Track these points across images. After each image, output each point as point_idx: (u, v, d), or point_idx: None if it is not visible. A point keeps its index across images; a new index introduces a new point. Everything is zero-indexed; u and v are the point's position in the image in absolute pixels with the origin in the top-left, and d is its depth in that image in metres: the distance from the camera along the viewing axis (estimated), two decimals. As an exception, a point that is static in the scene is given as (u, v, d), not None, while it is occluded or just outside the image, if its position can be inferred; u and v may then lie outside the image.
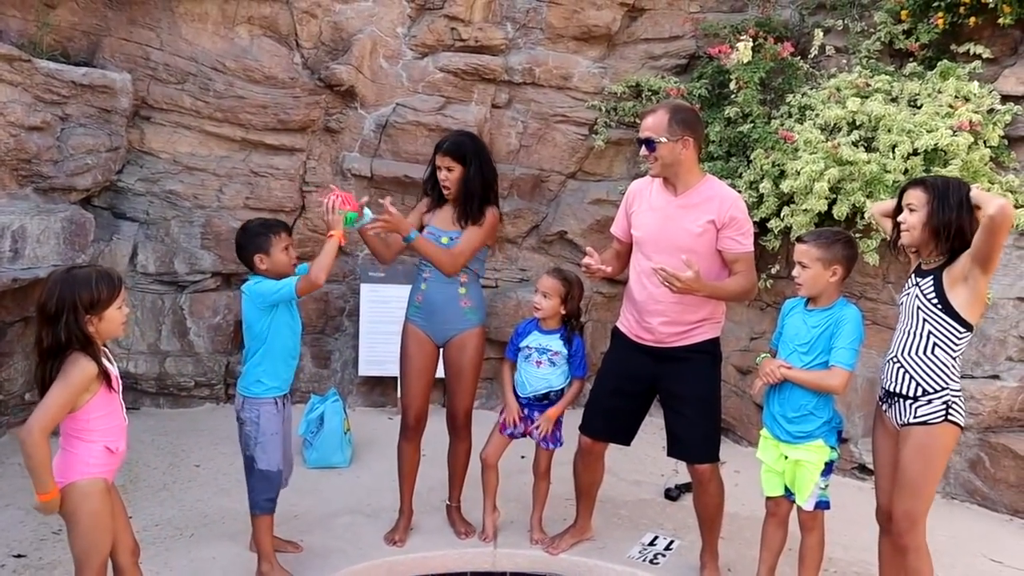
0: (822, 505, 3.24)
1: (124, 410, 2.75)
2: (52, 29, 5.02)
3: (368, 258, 5.90)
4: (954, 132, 4.55)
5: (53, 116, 4.79)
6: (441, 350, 3.83)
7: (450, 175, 3.67)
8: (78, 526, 2.60)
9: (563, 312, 3.73)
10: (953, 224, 2.87)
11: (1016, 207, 4.44)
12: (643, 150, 3.37)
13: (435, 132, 5.70)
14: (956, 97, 4.79)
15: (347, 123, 5.78)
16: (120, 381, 2.73)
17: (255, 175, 5.65)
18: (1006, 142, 4.77)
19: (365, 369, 5.76)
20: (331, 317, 5.89)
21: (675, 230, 3.37)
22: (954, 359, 2.94)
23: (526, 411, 3.80)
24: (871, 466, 4.75)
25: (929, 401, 2.93)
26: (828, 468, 3.21)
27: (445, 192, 3.72)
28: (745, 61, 5.37)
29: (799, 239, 3.24)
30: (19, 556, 3.53)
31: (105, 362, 2.63)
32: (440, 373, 3.86)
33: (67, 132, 4.89)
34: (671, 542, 3.96)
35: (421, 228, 3.74)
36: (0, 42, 4.57)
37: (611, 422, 3.66)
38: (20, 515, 3.87)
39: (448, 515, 4.00)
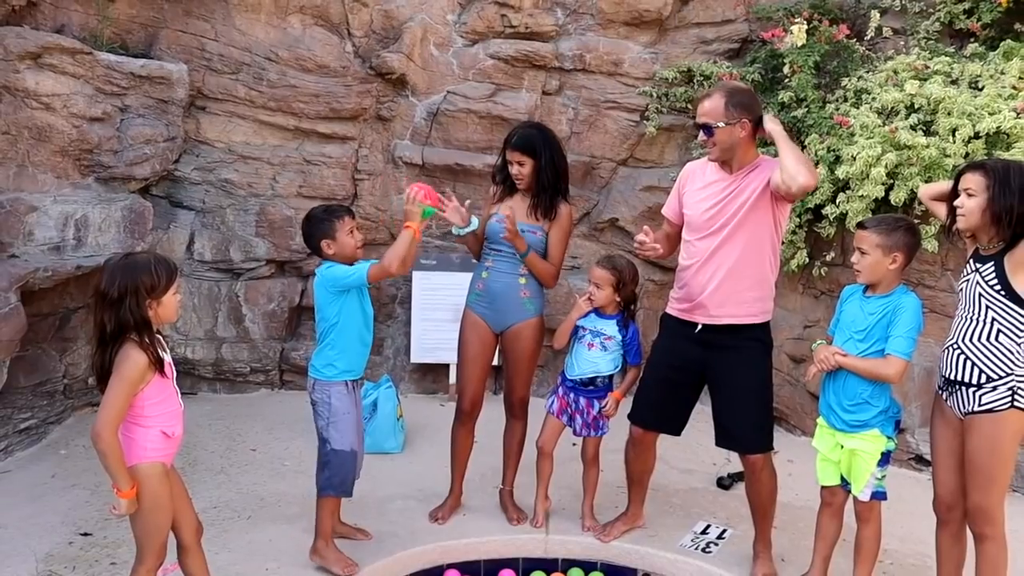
0: (879, 496, 3.18)
1: (179, 395, 2.81)
2: (111, 22, 5.14)
3: (419, 246, 5.93)
4: (1018, 114, 4.41)
5: (113, 107, 4.91)
6: (499, 338, 3.86)
7: (522, 169, 3.71)
8: (139, 508, 2.67)
9: (618, 299, 3.72)
10: (1015, 209, 2.80)
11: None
12: (701, 135, 3.35)
13: (486, 120, 5.71)
14: (1020, 78, 4.64)
15: (398, 111, 5.81)
16: (173, 367, 2.79)
17: (308, 163, 5.72)
18: (1073, 125, 4.62)
19: (417, 356, 5.81)
20: (383, 304, 5.95)
21: (728, 209, 3.34)
22: (1019, 344, 2.87)
23: (572, 395, 3.81)
24: (928, 457, 4.67)
25: (994, 388, 2.87)
26: (885, 458, 3.16)
27: (518, 184, 3.75)
28: (799, 44, 5.27)
29: (860, 224, 3.19)
30: (85, 535, 3.64)
31: (158, 349, 2.68)
32: (497, 361, 3.89)
33: (126, 123, 5.01)
34: (724, 531, 3.94)
35: (489, 216, 3.81)
36: (63, 36, 4.69)
37: (661, 412, 3.64)
38: (86, 495, 4.00)
39: (501, 500, 4.03)
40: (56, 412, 4.83)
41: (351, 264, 3.42)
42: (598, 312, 3.76)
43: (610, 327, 3.73)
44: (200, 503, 3.93)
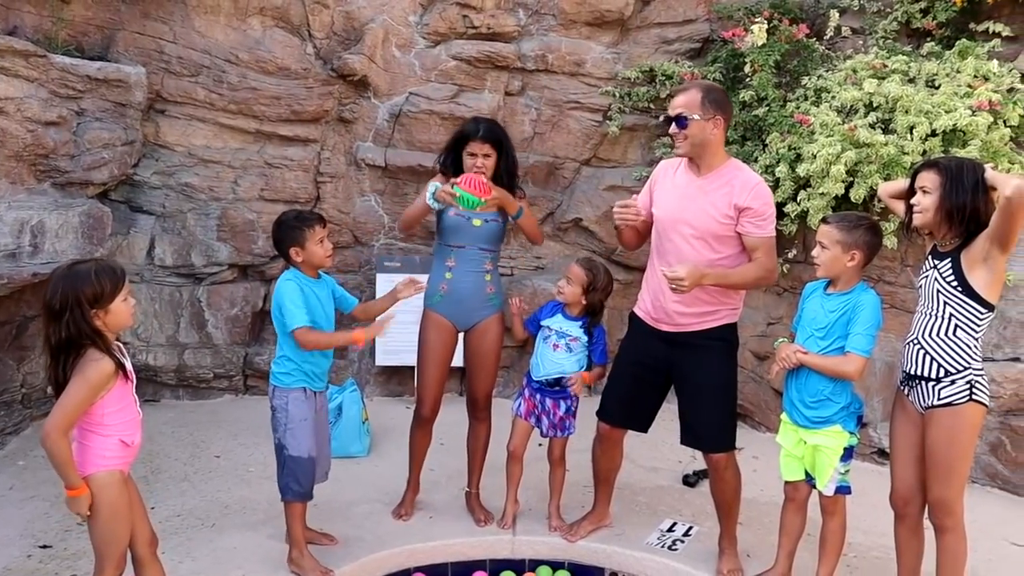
0: (842, 490, 3.22)
1: (138, 403, 2.76)
2: (66, 24, 5.05)
3: (383, 248, 5.91)
4: (973, 112, 4.49)
5: (69, 111, 4.82)
6: (462, 336, 3.84)
7: (487, 161, 3.69)
8: (97, 517, 2.63)
9: (584, 302, 3.73)
10: (968, 206, 2.84)
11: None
12: (672, 127, 3.34)
13: (448, 121, 5.68)
14: (975, 77, 4.73)
15: (360, 113, 5.78)
16: (134, 374, 2.74)
17: (269, 166, 5.66)
18: (1027, 121, 4.71)
19: (382, 359, 5.78)
20: (347, 307, 5.91)
21: (695, 210, 3.34)
22: (976, 339, 2.93)
23: (538, 396, 3.81)
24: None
25: (952, 381, 2.91)
26: (848, 453, 3.19)
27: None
28: (760, 44, 5.33)
29: (824, 220, 3.22)
30: (45, 547, 3.57)
31: (119, 356, 2.64)
32: (457, 361, 3.87)
33: (83, 127, 4.92)
34: (689, 528, 3.96)
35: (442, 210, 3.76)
36: (15, 38, 4.60)
37: (628, 409, 3.65)
38: (45, 507, 3.92)
39: (467, 502, 4.01)
40: (14, 422, 4.74)
41: (317, 271, 3.47)
42: (564, 313, 3.76)
43: (575, 328, 3.74)
44: (163, 511, 3.91)
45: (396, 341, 5.63)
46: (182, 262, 5.54)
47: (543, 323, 3.80)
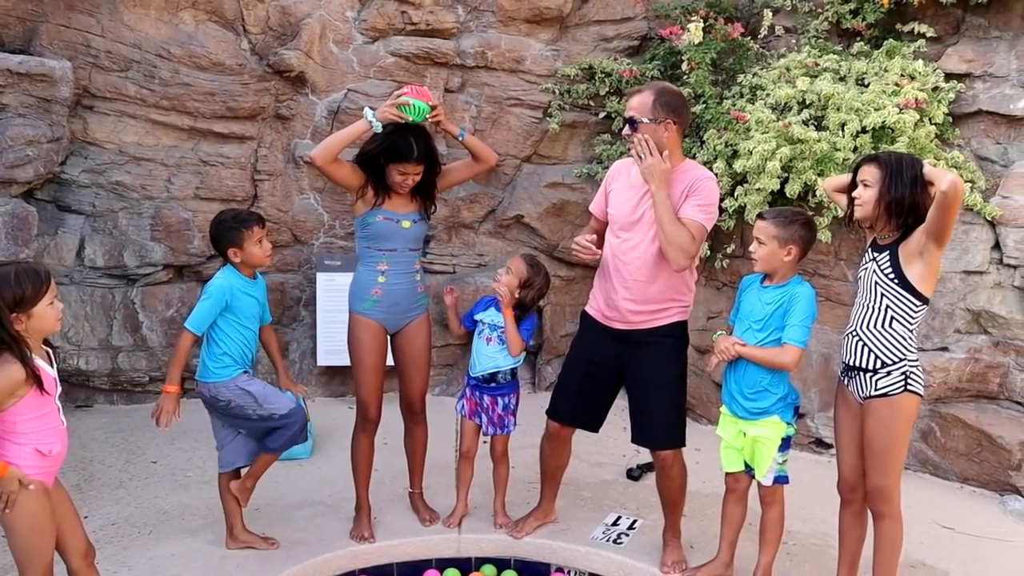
0: (781, 480, 3.29)
1: (61, 412, 2.67)
2: (-14, 17, 4.86)
3: (323, 247, 5.84)
4: (901, 110, 4.62)
5: (-10, 107, 4.64)
6: (391, 339, 3.79)
7: (417, 178, 3.59)
8: (14, 531, 2.54)
9: (517, 296, 3.72)
10: (906, 200, 2.91)
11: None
12: (626, 129, 3.37)
13: (388, 118, 5.62)
14: (902, 76, 4.87)
15: (298, 110, 5.69)
16: (58, 383, 2.65)
17: (205, 164, 5.54)
18: (950, 119, 4.86)
19: (324, 359, 5.70)
20: (287, 307, 5.82)
21: (648, 209, 3.35)
22: (911, 331, 3.01)
23: (477, 394, 3.81)
24: (828, 440, 4.87)
25: (888, 373, 2.99)
26: (785, 443, 3.26)
27: (401, 191, 3.60)
28: (696, 42, 5.40)
29: (760, 215, 3.28)
30: (-31, 561, 3.44)
31: (41, 363, 2.55)
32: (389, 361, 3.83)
33: (4, 123, 4.73)
34: (634, 521, 4.00)
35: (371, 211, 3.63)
36: (-68, 31, 4.41)
37: (579, 408, 3.67)
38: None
39: (411, 502, 3.99)
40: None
41: (255, 272, 3.51)
42: (498, 307, 3.76)
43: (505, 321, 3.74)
44: (98, 520, 3.80)
45: (337, 341, 5.53)
46: (114, 263, 5.37)
47: (477, 318, 3.80)
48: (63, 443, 2.67)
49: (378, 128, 3.48)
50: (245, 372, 3.48)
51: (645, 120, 3.29)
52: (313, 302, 5.74)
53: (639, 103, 3.32)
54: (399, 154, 3.49)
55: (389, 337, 3.79)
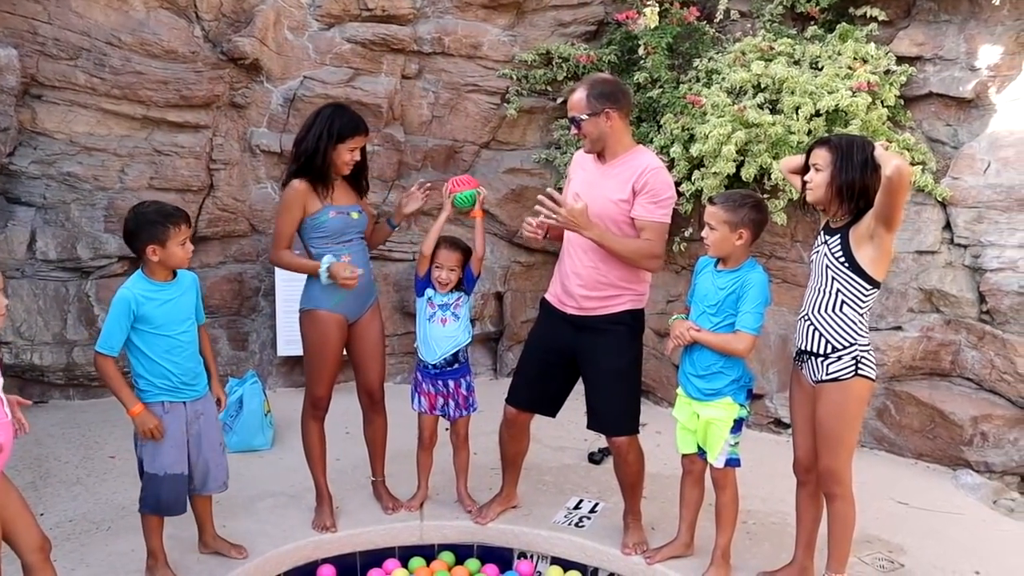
0: (732, 463, 3.31)
1: (5, 404, 2.59)
2: (-73, 4, 4.73)
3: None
4: (853, 93, 4.68)
5: (-66, 97, 4.52)
6: (348, 329, 3.75)
7: (358, 152, 3.61)
8: None
9: (460, 276, 3.76)
10: (857, 184, 2.93)
11: (912, 164, 4.62)
12: (572, 129, 3.42)
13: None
14: (855, 59, 4.93)
15: (253, 98, 5.61)
16: (1, 376, 2.58)
17: (159, 154, 5.44)
18: (902, 102, 4.95)
19: (284, 349, 5.66)
20: (246, 298, 5.76)
21: (598, 198, 3.37)
22: (861, 315, 3.03)
23: (439, 382, 3.80)
24: (787, 420, 4.93)
25: (839, 357, 3.02)
26: (737, 426, 3.28)
27: (345, 171, 3.60)
28: (652, 27, 5.41)
29: (710, 200, 3.28)
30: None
31: None
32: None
33: (-50, 114, 4.63)
34: (596, 505, 4.03)
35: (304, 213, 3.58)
36: None
37: (537, 393, 3.69)
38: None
39: (374, 490, 3.98)
40: None
41: (174, 272, 3.19)
42: (433, 287, 3.76)
43: (451, 296, 3.75)
44: (54, 517, 3.75)
45: (296, 331, 5.49)
46: (67, 255, 5.27)
47: (423, 298, 3.77)
48: (8, 437, 2.60)
49: (325, 281, 3.51)
50: (164, 404, 3.12)
51: (584, 117, 3.33)
52: (272, 292, 5.68)
53: (575, 101, 3.37)
54: (351, 129, 3.52)
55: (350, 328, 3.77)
